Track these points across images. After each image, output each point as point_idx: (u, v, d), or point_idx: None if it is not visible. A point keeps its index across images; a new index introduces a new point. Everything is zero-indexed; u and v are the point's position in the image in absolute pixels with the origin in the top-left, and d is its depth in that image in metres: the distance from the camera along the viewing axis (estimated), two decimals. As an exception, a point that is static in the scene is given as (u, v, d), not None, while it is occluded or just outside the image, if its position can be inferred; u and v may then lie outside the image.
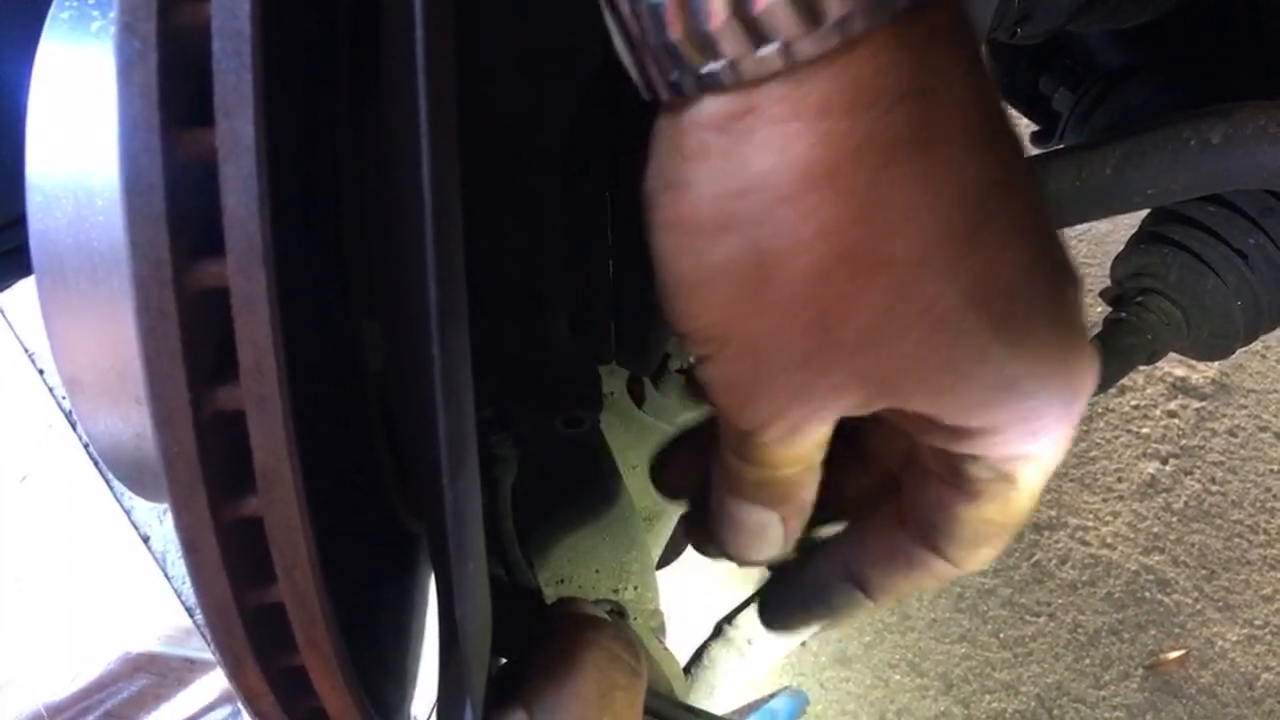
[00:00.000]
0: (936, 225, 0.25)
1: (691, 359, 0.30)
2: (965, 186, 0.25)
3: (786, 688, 1.30)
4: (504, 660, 0.38)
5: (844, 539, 0.37)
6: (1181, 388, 1.57)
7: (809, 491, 0.34)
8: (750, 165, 0.25)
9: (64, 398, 1.53)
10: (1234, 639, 1.28)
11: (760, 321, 0.27)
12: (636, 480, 0.52)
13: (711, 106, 0.25)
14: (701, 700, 0.69)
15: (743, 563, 0.37)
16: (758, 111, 0.24)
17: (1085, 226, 1.57)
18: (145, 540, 1.46)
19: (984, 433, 0.28)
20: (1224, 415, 1.52)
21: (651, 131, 0.27)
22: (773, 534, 0.35)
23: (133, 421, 0.29)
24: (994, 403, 0.27)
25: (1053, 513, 1.44)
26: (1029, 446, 0.29)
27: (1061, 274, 0.27)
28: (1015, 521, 0.32)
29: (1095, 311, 0.88)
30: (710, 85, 0.24)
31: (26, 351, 1.59)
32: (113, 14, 0.22)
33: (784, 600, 0.39)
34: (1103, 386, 0.74)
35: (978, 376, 0.27)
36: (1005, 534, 0.32)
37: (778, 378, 0.28)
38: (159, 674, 1.42)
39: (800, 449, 0.31)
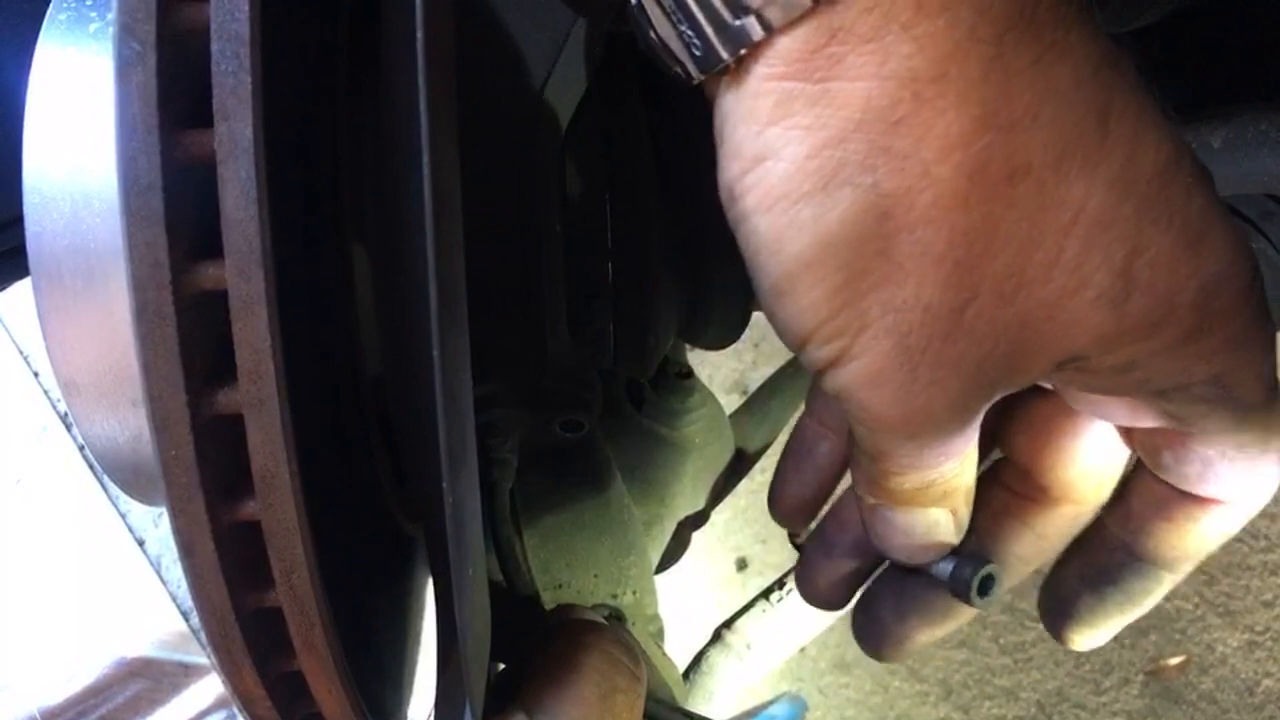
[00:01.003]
0: (1065, 115, 0.23)
1: (819, 369, 0.26)
2: (1080, 69, 0.23)
3: (786, 693, 1.29)
4: (502, 665, 0.37)
5: (1113, 527, 0.34)
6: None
7: (971, 475, 0.30)
8: (847, 99, 0.22)
9: (60, 400, 1.53)
10: (1234, 645, 1.27)
11: (897, 287, 0.24)
12: (635, 485, 0.52)
13: (788, 47, 0.22)
14: (700, 706, 0.69)
15: (916, 564, 0.33)
16: (843, 34, 0.22)
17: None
18: (141, 544, 1.45)
19: (1176, 344, 0.25)
20: (1222, 420, 1.52)
21: (702, 122, 0.25)
22: (945, 529, 0.31)
23: (130, 424, 0.29)
24: (1177, 298, 0.24)
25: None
26: (1220, 343, 0.26)
27: (1194, 159, 0.25)
28: (1259, 434, 0.28)
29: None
30: (786, 15, 0.22)
31: (22, 354, 1.59)
32: (111, 15, 0.22)
33: (1071, 598, 0.35)
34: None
35: (1149, 274, 0.24)
36: (1263, 451, 0.29)
37: (930, 352, 0.24)
38: (154, 679, 1.41)
39: (964, 439, 0.28)
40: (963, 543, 0.33)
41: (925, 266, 0.23)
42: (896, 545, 0.32)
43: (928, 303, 0.24)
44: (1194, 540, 0.32)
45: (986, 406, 0.27)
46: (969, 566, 0.33)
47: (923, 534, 0.31)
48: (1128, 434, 0.32)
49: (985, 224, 0.23)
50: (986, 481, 0.34)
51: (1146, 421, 0.30)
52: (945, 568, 0.33)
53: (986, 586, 0.33)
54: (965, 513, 0.32)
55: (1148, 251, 0.24)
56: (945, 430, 0.27)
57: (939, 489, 0.30)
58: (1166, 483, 0.31)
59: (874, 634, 0.37)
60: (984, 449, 0.32)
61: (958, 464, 0.29)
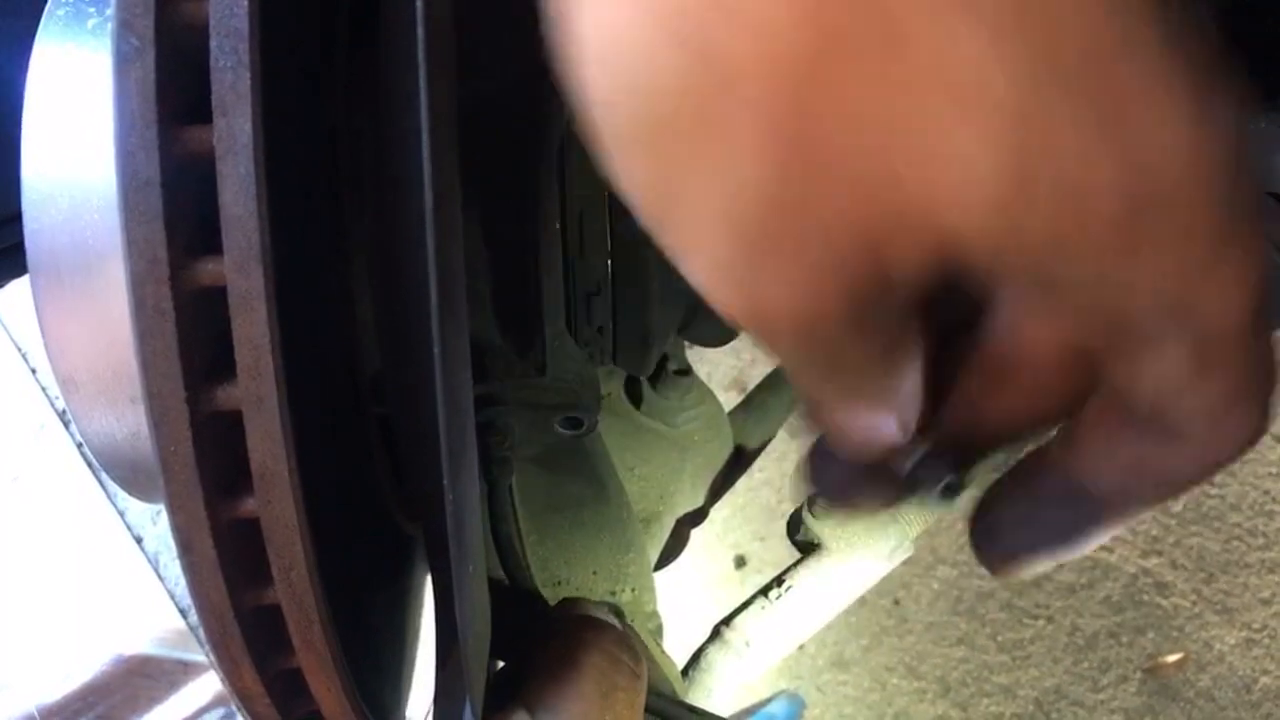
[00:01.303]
0: None
1: (670, 258, 0.23)
2: None
3: (784, 691, 1.29)
4: (501, 663, 0.37)
5: (1055, 449, 0.29)
6: (1178, 391, 1.56)
7: (915, 380, 0.26)
8: None
9: (57, 397, 1.53)
10: (1232, 642, 1.28)
11: (731, 165, 0.20)
12: (634, 482, 0.52)
13: None
14: (699, 703, 0.69)
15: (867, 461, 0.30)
16: None
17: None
18: (139, 542, 1.45)
19: (1099, 254, 0.20)
20: (1220, 418, 1.52)
21: None
22: (886, 434, 0.28)
23: (128, 421, 0.29)
24: (1091, 195, 0.19)
25: (1049, 516, 1.44)
26: (1172, 261, 0.20)
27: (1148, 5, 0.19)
28: (1233, 376, 0.22)
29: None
30: None
31: (19, 350, 1.59)
32: (109, 11, 0.22)
33: (1004, 535, 0.32)
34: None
35: (1050, 162, 0.19)
36: (1235, 397, 0.23)
37: (769, 240, 0.21)
38: (152, 676, 1.41)
39: (874, 346, 0.24)
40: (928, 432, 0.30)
41: (762, 142, 0.20)
42: (837, 445, 0.29)
43: (763, 185, 0.20)
44: (1135, 473, 0.27)
45: (886, 313, 0.23)
46: (934, 476, 0.30)
47: (860, 438, 0.28)
48: (1085, 356, 0.26)
49: (832, 91, 0.19)
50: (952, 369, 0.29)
51: (1100, 341, 0.25)
52: (903, 466, 0.31)
53: (948, 492, 0.31)
54: (912, 415, 0.28)
55: (1051, 130, 0.19)
56: (830, 337, 0.23)
57: (867, 395, 0.26)
58: (1119, 406, 0.26)
59: (828, 482, 0.33)
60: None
61: (882, 373, 0.25)
